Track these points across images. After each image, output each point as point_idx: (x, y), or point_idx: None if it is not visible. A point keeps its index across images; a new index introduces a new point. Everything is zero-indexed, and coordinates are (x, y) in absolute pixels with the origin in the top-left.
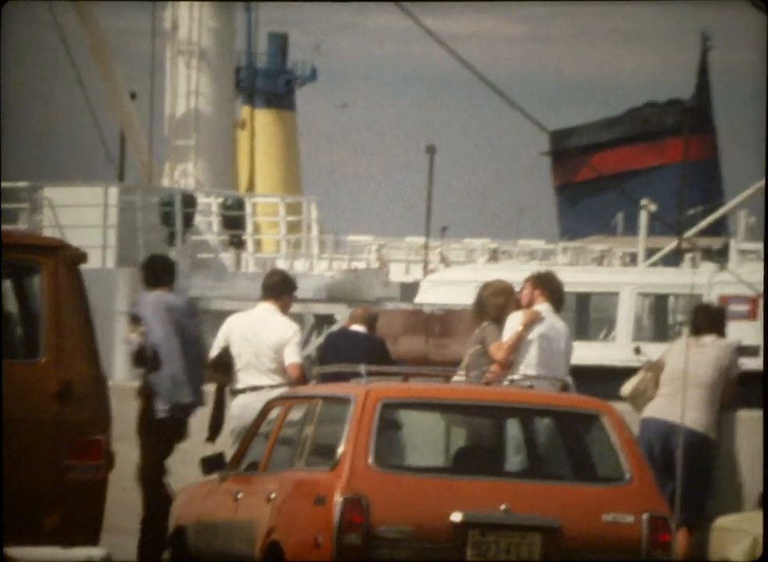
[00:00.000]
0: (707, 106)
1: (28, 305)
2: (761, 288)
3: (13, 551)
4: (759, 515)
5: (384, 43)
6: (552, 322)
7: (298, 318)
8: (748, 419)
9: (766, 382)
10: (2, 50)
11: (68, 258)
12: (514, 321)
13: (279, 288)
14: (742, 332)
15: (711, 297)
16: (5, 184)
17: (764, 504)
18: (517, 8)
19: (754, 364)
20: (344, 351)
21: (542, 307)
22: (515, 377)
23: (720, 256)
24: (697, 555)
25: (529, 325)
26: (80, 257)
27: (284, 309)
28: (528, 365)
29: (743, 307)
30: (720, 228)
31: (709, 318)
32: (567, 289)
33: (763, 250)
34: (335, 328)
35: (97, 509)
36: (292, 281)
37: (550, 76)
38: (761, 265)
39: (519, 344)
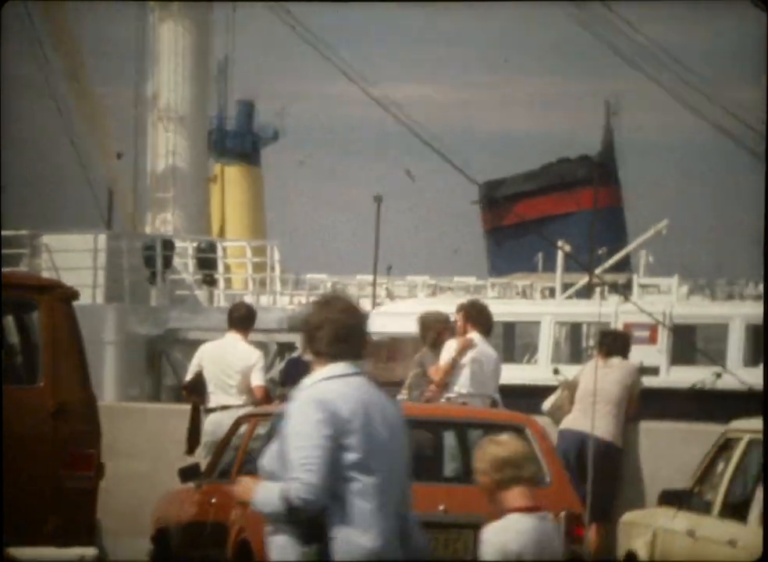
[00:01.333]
0: (612, 162)
1: (28, 337)
2: (659, 317)
3: (15, 551)
4: (658, 511)
5: (339, 108)
6: (482, 348)
7: (263, 346)
8: (648, 429)
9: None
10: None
11: (63, 296)
12: (450, 348)
13: (244, 320)
14: (643, 354)
15: (617, 324)
16: (7, 232)
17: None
18: (455, 78)
19: (653, 382)
20: (303, 374)
21: (474, 335)
22: (451, 395)
23: (624, 289)
24: (606, 546)
25: (462, 351)
26: (73, 294)
27: (247, 337)
28: (462, 385)
29: (644, 333)
30: (624, 265)
31: (615, 343)
32: (495, 318)
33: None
34: (295, 354)
35: (89, 513)
36: (254, 314)
37: (481, 135)
38: (659, 297)
39: (454, 368)
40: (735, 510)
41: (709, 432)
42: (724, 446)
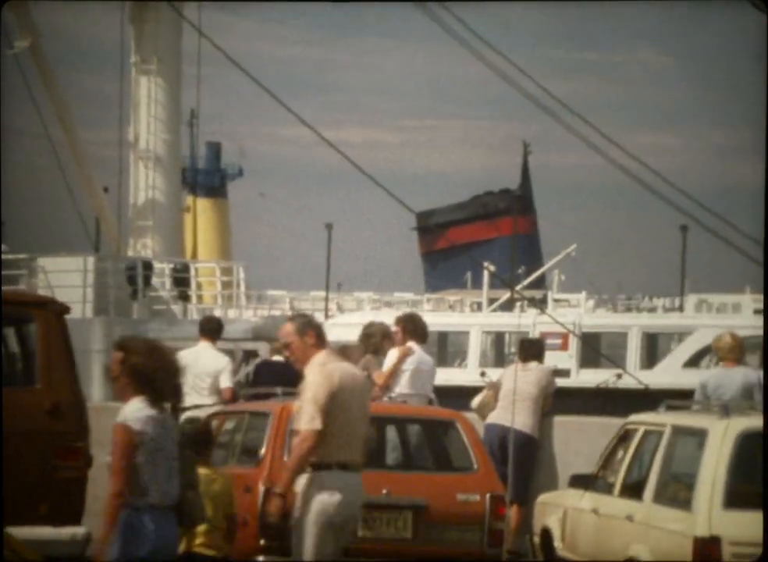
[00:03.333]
0: (529, 194)
1: (26, 346)
2: (570, 327)
3: (14, 531)
4: (568, 492)
5: (294, 147)
6: (420, 355)
7: (230, 353)
8: (560, 423)
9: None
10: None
11: (56, 311)
12: (392, 356)
13: (214, 330)
14: (556, 359)
15: (534, 333)
16: (8, 256)
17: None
18: (394, 122)
19: (565, 383)
20: (268, 376)
21: (412, 343)
22: (392, 395)
23: (540, 303)
24: (524, 522)
25: (403, 358)
26: (65, 309)
27: (216, 345)
28: (402, 386)
29: (557, 341)
30: (540, 283)
31: (532, 349)
32: (430, 329)
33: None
34: (260, 359)
35: (79, 498)
36: (222, 325)
37: (417, 171)
38: (570, 310)
39: (395, 372)
40: (632, 490)
41: (611, 425)
42: (624, 437)
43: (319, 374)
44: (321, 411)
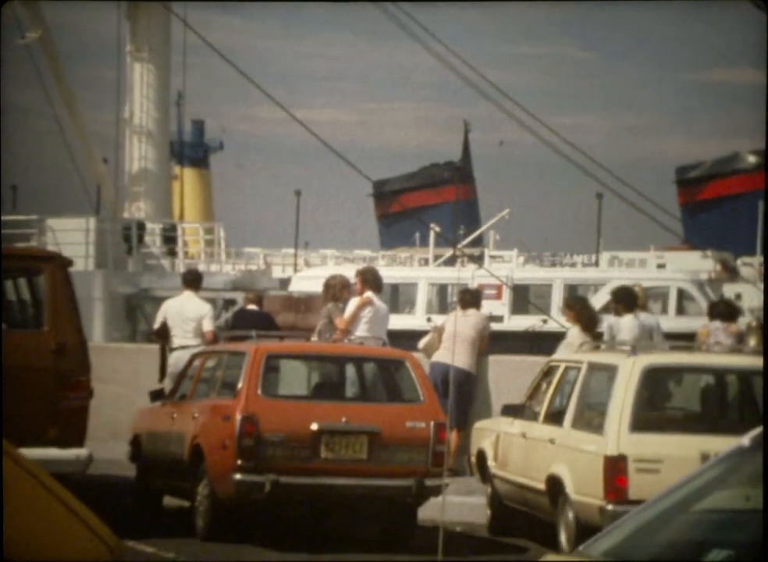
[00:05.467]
0: (469, 166)
1: (35, 294)
2: (503, 279)
3: (25, 451)
4: (501, 420)
5: (268, 125)
6: (376, 303)
7: (212, 301)
8: (494, 361)
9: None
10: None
11: (61, 264)
12: (352, 304)
13: (195, 281)
14: (491, 307)
15: (473, 285)
16: (20, 217)
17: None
18: (354, 103)
19: (498, 327)
20: (249, 320)
21: (369, 293)
22: (352, 337)
23: (478, 259)
24: (463, 445)
25: (362, 306)
26: (69, 263)
27: (198, 294)
28: (360, 330)
29: (492, 291)
30: (478, 242)
31: (471, 298)
32: (384, 281)
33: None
34: (237, 307)
35: (82, 425)
36: (201, 276)
37: (375, 146)
38: (503, 265)
39: (355, 318)
40: (554, 417)
41: (538, 363)
42: (548, 372)
43: None
44: None
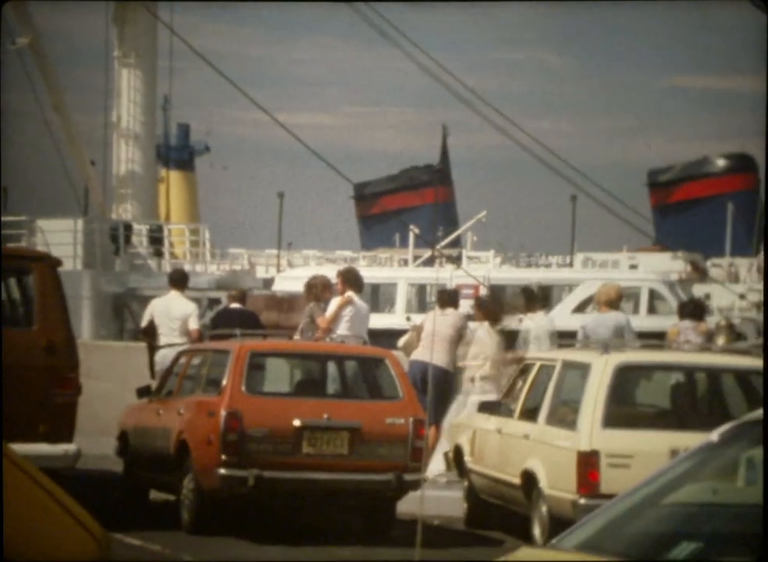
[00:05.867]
0: (448, 169)
1: (26, 293)
2: (481, 279)
3: (16, 447)
4: (477, 416)
5: (252, 128)
6: (357, 303)
7: (197, 301)
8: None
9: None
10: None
11: (51, 264)
12: (334, 303)
13: (181, 281)
14: (469, 306)
15: (451, 285)
16: (11, 218)
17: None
18: (336, 107)
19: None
20: (232, 319)
21: (350, 293)
22: (333, 336)
23: (456, 260)
24: (441, 441)
25: (343, 305)
26: (58, 263)
27: (184, 293)
28: (342, 329)
29: (470, 291)
30: (456, 243)
31: (449, 298)
32: (365, 281)
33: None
34: (221, 306)
35: (71, 420)
36: (187, 276)
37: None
38: (481, 265)
39: (336, 317)
40: (529, 414)
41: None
42: (523, 370)
43: None
44: None
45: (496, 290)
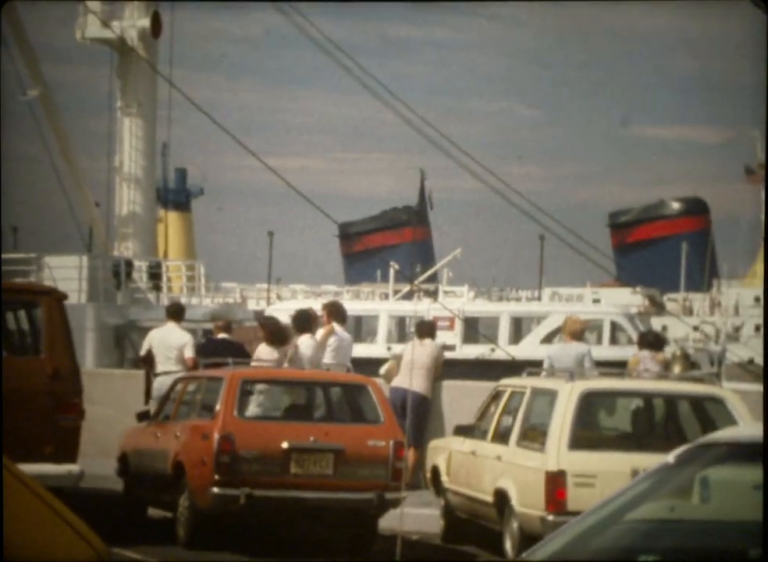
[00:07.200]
0: (425, 210)
1: (33, 324)
2: (456, 312)
3: (23, 467)
4: (453, 439)
5: (245, 172)
6: (340, 333)
7: (192, 331)
8: (447, 386)
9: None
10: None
11: (57, 297)
12: (319, 334)
13: (178, 313)
14: (445, 337)
15: (428, 317)
16: (21, 255)
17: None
18: (324, 154)
19: (451, 355)
20: (216, 348)
21: (335, 324)
22: (320, 365)
23: (433, 294)
24: (419, 462)
25: (327, 336)
26: (64, 296)
27: (180, 325)
28: (327, 358)
29: (446, 323)
30: (433, 278)
31: (427, 329)
32: (348, 313)
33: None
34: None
35: (75, 443)
36: (184, 309)
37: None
38: (456, 299)
39: (321, 347)
40: (501, 437)
41: (486, 387)
42: (495, 396)
43: None
44: None
45: (527, 326)
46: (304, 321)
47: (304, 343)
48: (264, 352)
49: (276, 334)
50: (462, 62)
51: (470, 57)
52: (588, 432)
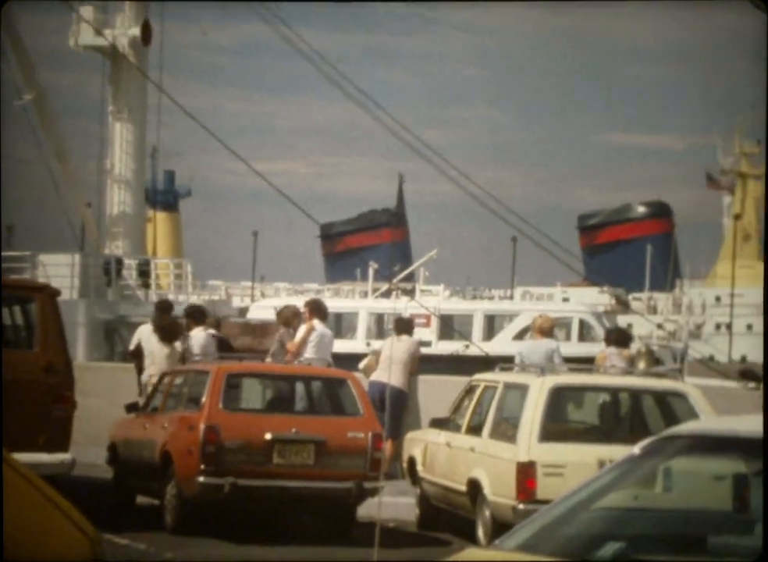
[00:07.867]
0: (403, 212)
1: (28, 319)
2: (432, 310)
3: (17, 456)
4: (429, 431)
5: (231, 175)
6: (322, 330)
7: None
8: (424, 380)
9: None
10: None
11: (50, 293)
12: (301, 330)
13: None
14: (422, 333)
15: (405, 314)
16: (16, 253)
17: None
18: (305, 157)
19: (427, 351)
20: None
21: (316, 321)
22: (301, 359)
23: (410, 293)
24: (397, 453)
25: (309, 332)
26: (57, 292)
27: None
28: (309, 353)
29: (423, 320)
30: (410, 277)
31: (404, 326)
32: (329, 310)
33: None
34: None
35: (67, 433)
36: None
37: (323, 193)
38: (432, 297)
39: (303, 343)
40: (475, 429)
41: (461, 382)
42: (469, 390)
43: None
44: None
45: (500, 323)
46: (198, 314)
47: (197, 336)
48: (156, 348)
49: (167, 329)
50: (440, 70)
51: (447, 65)
52: (557, 425)
